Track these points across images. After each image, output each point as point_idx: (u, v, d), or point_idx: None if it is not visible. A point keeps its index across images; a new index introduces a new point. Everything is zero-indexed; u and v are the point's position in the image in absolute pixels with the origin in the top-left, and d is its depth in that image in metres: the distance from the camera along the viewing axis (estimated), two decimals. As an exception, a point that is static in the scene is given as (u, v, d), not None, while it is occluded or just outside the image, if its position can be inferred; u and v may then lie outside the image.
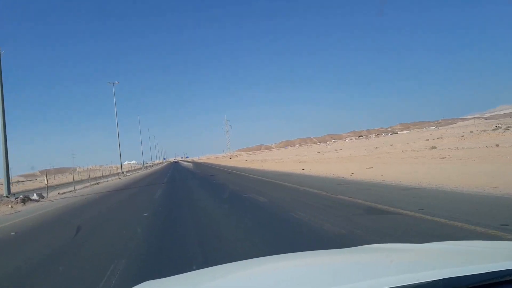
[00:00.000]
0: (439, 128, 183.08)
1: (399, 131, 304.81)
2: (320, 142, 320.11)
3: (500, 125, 68.34)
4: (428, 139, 40.36)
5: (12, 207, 14.45)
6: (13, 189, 20.92)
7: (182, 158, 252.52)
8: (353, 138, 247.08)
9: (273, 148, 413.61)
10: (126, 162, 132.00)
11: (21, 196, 16.84)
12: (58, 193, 20.61)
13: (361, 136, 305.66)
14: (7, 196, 16.31)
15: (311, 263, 1.66)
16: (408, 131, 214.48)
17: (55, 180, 66.63)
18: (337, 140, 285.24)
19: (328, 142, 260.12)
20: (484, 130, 52.61)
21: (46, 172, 21.79)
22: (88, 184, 27.61)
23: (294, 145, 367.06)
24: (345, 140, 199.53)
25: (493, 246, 1.70)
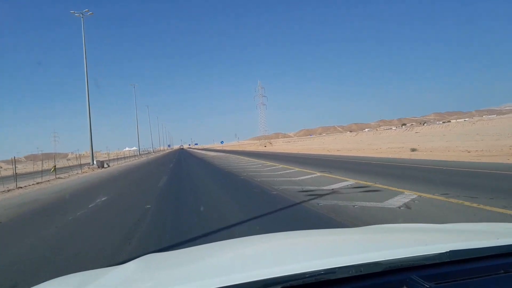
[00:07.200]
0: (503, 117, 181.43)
1: (435, 121, 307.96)
2: (350, 131, 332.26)
3: None
4: None
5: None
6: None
7: (189, 145, 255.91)
8: (400, 127, 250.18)
9: (292, 137, 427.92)
10: (127, 149, 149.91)
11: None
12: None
13: (404, 124, 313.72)
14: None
15: (316, 241, 1.93)
16: (462, 120, 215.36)
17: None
18: (366, 129, 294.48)
19: (364, 131, 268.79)
20: None
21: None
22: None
23: (319, 134, 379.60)
24: (391, 129, 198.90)
25: (498, 226, 2.12)
